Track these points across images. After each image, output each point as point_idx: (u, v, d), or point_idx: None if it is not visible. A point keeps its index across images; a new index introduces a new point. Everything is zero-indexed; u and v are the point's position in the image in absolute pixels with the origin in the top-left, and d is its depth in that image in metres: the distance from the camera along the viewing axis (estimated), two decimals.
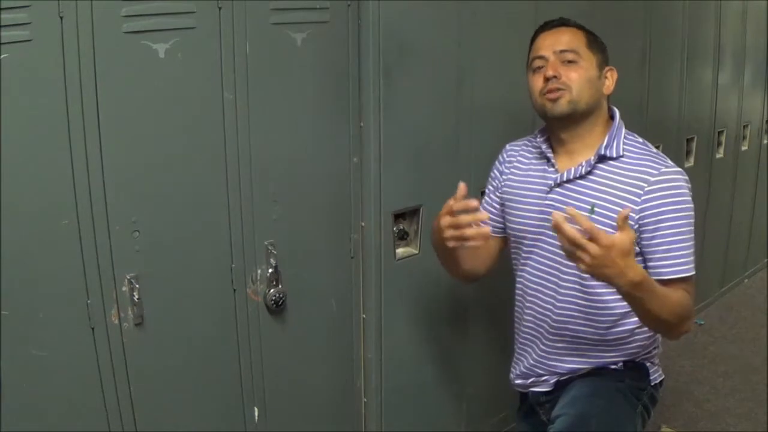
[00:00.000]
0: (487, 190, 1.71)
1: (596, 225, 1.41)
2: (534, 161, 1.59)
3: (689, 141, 3.09)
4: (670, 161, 1.47)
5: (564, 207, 1.48)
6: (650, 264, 1.43)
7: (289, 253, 1.73)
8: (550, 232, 1.50)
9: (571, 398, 1.51)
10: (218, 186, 1.59)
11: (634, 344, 1.53)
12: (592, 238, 1.20)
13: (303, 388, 1.86)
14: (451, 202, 1.39)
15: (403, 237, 1.96)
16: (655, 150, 1.49)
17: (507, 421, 2.27)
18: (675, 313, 1.36)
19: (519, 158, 1.63)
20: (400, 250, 1.95)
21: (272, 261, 1.69)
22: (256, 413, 1.76)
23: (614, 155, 1.46)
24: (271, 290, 1.70)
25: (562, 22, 1.51)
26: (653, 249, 1.41)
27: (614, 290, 1.45)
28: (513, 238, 1.63)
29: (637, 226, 1.41)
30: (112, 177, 1.41)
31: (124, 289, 1.47)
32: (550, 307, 1.55)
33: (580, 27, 1.51)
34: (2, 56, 1.24)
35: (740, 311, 3.49)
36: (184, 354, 1.59)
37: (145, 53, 1.41)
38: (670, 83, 2.89)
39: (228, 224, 1.62)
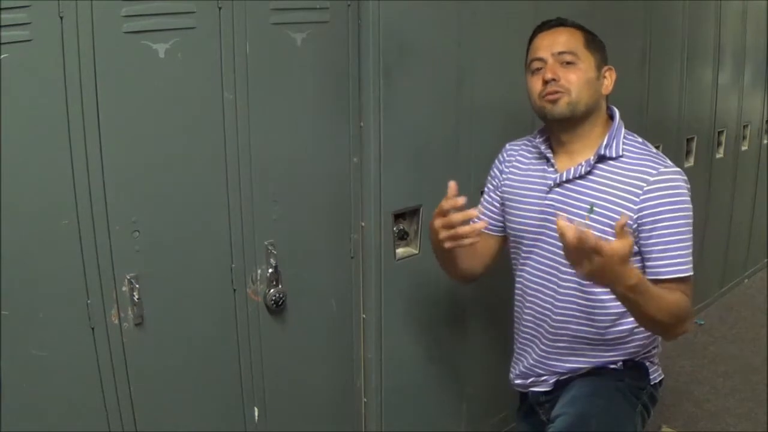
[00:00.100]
0: (486, 189, 1.71)
1: (595, 225, 1.42)
2: (533, 161, 1.59)
3: (689, 141, 3.09)
4: (669, 161, 1.47)
5: (563, 207, 1.49)
6: (648, 264, 1.43)
7: (289, 253, 1.73)
8: (550, 232, 1.51)
9: (571, 398, 1.51)
10: (218, 186, 1.59)
11: (634, 344, 1.53)
12: (594, 248, 1.19)
13: (303, 388, 1.86)
14: (442, 203, 1.39)
15: (403, 237, 1.96)
16: (654, 150, 1.50)
17: (507, 421, 2.27)
18: (671, 314, 1.36)
19: (519, 158, 1.63)
20: (400, 250, 1.95)
21: (272, 261, 1.69)
22: (256, 413, 1.76)
23: (614, 155, 1.46)
24: (271, 290, 1.70)
25: (559, 22, 1.51)
26: (651, 249, 1.42)
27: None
28: (512, 238, 1.63)
29: (635, 225, 1.42)
30: (112, 177, 1.41)
31: (124, 289, 1.47)
32: (550, 306, 1.55)
33: (578, 27, 1.51)
34: (2, 56, 1.24)
35: (740, 311, 3.49)
36: (184, 354, 1.59)
37: (145, 53, 1.41)
38: (670, 83, 2.89)
39: (228, 224, 1.62)
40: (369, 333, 1.94)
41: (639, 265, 1.44)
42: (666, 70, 2.81)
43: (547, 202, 1.52)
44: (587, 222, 1.45)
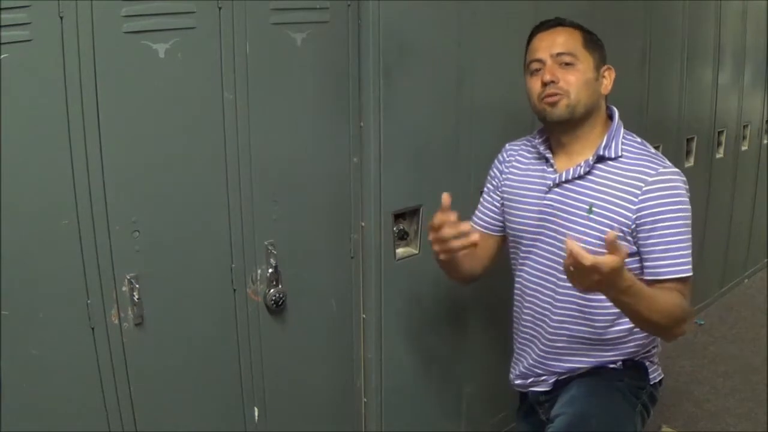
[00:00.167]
0: (485, 189, 1.71)
1: (594, 225, 1.43)
2: (533, 161, 1.59)
3: (689, 141, 3.09)
4: (667, 161, 1.46)
5: (562, 207, 1.49)
6: (647, 264, 1.43)
7: (289, 253, 1.73)
8: (549, 232, 1.51)
9: (570, 397, 1.51)
10: (218, 186, 1.59)
11: (633, 343, 1.53)
12: (594, 268, 1.18)
13: (303, 388, 1.86)
14: (437, 216, 1.40)
15: (403, 237, 1.96)
16: (653, 150, 1.49)
17: (507, 421, 2.27)
18: (667, 316, 1.36)
19: (518, 158, 1.63)
20: (400, 250, 1.95)
21: (272, 261, 1.69)
22: (256, 413, 1.76)
23: (613, 156, 1.46)
24: (271, 290, 1.70)
25: (558, 22, 1.50)
26: (650, 249, 1.41)
27: None
28: (512, 238, 1.63)
29: (634, 226, 1.42)
30: (112, 177, 1.41)
31: (124, 289, 1.47)
32: (549, 306, 1.55)
33: (576, 26, 1.50)
34: (2, 56, 1.24)
35: (740, 311, 3.49)
36: (184, 354, 1.59)
37: (145, 53, 1.41)
38: (670, 83, 2.89)
39: (228, 224, 1.62)
40: (369, 333, 1.94)
41: (637, 265, 1.44)
42: (666, 70, 2.81)
43: (546, 202, 1.52)
44: (586, 222, 1.45)
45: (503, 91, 2.02)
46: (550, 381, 1.60)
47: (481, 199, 1.71)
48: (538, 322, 1.58)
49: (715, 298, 3.56)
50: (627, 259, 1.42)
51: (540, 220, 1.53)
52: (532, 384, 1.63)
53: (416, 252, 1.97)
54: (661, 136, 2.83)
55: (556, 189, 1.51)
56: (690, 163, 3.11)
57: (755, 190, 3.71)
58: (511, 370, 1.70)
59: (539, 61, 1.47)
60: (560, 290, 1.52)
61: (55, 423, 1.42)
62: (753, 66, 3.45)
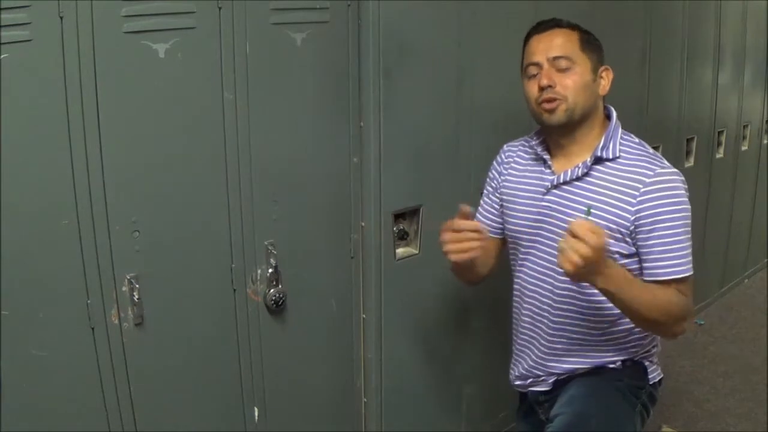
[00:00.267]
0: (485, 192, 1.71)
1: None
2: (531, 162, 1.59)
3: (689, 141, 3.09)
4: (666, 162, 1.46)
5: (560, 208, 1.49)
6: (645, 265, 1.43)
7: (289, 253, 1.73)
8: (548, 234, 1.51)
9: (570, 397, 1.51)
10: (218, 186, 1.59)
11: (633, 343, 1.53)
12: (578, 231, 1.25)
13: (303, 388, 1.86)
14: (456, 220, 1.43)
15: (403, 237, 1.96)
16: (651, 150, 1.49)
17: (507, 421, 2.27)
18: (666, 313, 1.37)
19: (516, 159, 1.63)
20: (400, 250, 1.95)
21: (272, 261, 1.69)
22: (256, 413, 1.76)
23: (610, 157, 1.46)
24: (271, 290, 1.70)
25: (554, 24, 1.49)
26: (649, 250, 1.41)
27: None
28: (510, 239, 1.63)
29: (632, 227, 1.41)
30: (112, 177, 1.41)
31: (124, 289, 1.47)
32: (548, 308, 1.55)
33: (573, 27, 1.49)
34: (2, 56, 1.24)
35: (740, 311, 3.49)
36: (184, 354, 1.59)
37: (145, 53, 1.41)
38: (670, 83, 2.89)
39: (228, 224, 1.62)
40: (369, 333, 1.94)
41: (636, 266, 1.44)
42: (666, 70, 2.81)
43: (544, 203, 1.52)
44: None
45: (503, 91, 2.02)
46: (550, 381, 1.60)
47: (482, 202, 1.71)
48: (538, 324, 1.58)
49: (715, 298, 3.56)
50: (626, 260, 1.43)
51: (538, 221, 1.53)
52: (532, 384, 1.63)
53: (416, 252, 1.97)
54: (661, 136, 2.83)
55: (554, 190, 1.51)
56: (690, 163, 3.11)
57: (755, 190, 3.71)
58: (511, 370, 1.70)
59: (536, 64, 1.46)
60: (559, 291, 1.52)
61: (55, 423, 1.42)
62: (753, 66, 3.45)
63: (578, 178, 1.48)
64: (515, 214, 1.59)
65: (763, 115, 3.67)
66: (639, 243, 1.42)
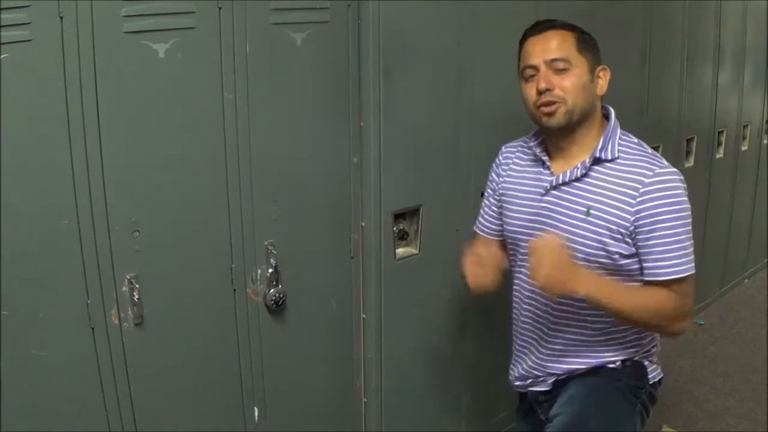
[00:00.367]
0: (486, 194, 1.71)
1: (592, 228, 1.43)
2: (529, 163, 1.59)
3: (689, 141, 3.09)
4: (665, 162, 1.45)
5: (559, 209, 1.49)
6: (645, 265, 1.43)
7: (289, 253, 1.73)
8: (547, 235, 1.51)
9: (569, 397, 1.51)
10: (218, 186, 1.59)
11: (632, 343, 1.53)
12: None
13: (303, 388, 1.86)
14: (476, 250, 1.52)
15: (403, 237, 1.96)
16: (650, 150, 1.49)
17: (507, 420, 2.27)
18: (657, 314, 1.41)
19: (515, 160, 1.63)
20: (400, 250, 1.95)
21: (272, 261, 1.69)
22: (256, 413, 1.76)
23: (609, 157, 1.45)
24: (271, 290, 1.70)
25: (550, 25, 1.48)
26: (649, 251, 1.41)
27: None
28: (509, 241, 1.63)
29: (632, 228, 1.41)
30: (112, 177, 1.41)
31: (124, 289, 1.47)
32: (547, 309, 1.55)
33: (569, 28, 1.48)
34: (2, 56, 1.24)
35: (740, 311, 3.49)
36: (184, 354, 1.59)
37: (145, 53, 1.41)
38: (670, 83, 2.89)
39: (228, 224, 1.62)
40: (369, 333, 1.94)
41: (636, 266, 1.44)
42: (666, 70, 2.81)
43: (543, 205, 1.52)
44: (584, 225, 1.45)
45: (503, 91, 2.02)
46: (549, 381, 1.60)
47: (483, 204, 1.71)
48: (537, 325, 1.58)
49: (715, 298, 3.56)
50: (626, 261, 1.43)
51: (537, 222, 1.53)
52: (532, 384, 1.63)
53: (416, 252, 1.98)
54: (661, 136, 2.83)
55: (553, 192, 1.51)
56: (690, 163, 3.11)
57: (755, 190, 3.71)
58: (511, 371, 1.70)
59: (533, 67, 1.46)
60: None
61: (55, 423, 1.42)
62: (753, 66, 3.45)
63: (577, 179, 1.48)
64: (514, 215, 1.59)
65: (763, 115, 3.67)
66: (639, 243, 1.42)
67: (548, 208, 1.51)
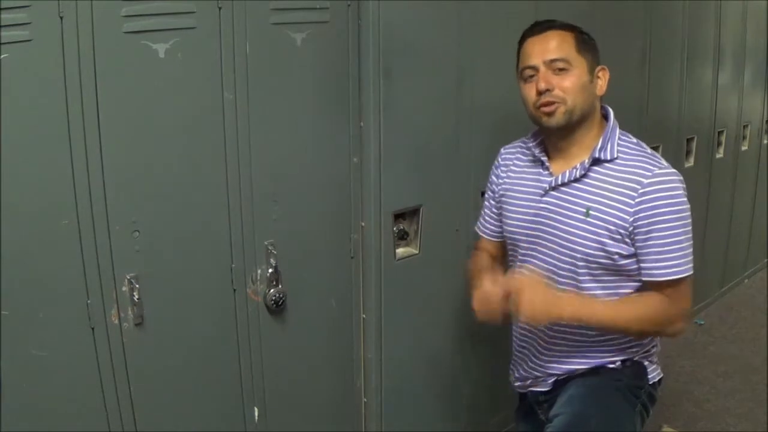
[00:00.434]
0: (487, 195, 1.71)
1: (591, 228, 1.43)
2: (528, 164, 1.59)
3: (689, 141, 3.09)
4: (664, 162, 1.45)
5: (558, 210, 1.49)
6: (643, 266, 1.43)
7: (289, 253, 1.73)
8: (546, 236, 1.51)
9: (569, 397, 1.51)
10: (218, 186, 1.59)
11: (632, 343, 1.53)
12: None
13: (303, 388, 1.86)
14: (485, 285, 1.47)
15: (403, 237, 1.96)
16: (649, 150, 1.48)
17: (507, 421, 2.27)
18: (650, 322, 1.43)
19: (515, 161, 1.63)
20: (400, 250, 1.95)
21: (272, 261, 1.69)
22: (256, 413, 1.76)
23: (608, 158, 1.45)
24: (271, 290, 1.70)
25: (549, 25, 1.48)
26: (647, 251, 1.41)
27: (611, 291, 1.47)
28: (509, 241, 1.63)
29: (631, 228, 1.41)
30: (112, 177, 1.41)
31: (124, 289, 1.47)
32: None
33: (568, 28, 1.48)
34: (2, 56, 1.24)
35: (740, 311, 3.49)
36: (184, 354, 1.59)
37: (145, 53, 1.41)
38: (670, 83, 2.89)
39: (228, 224, 1.62)
40: (369, 333, 1.94)
41: (635, 266, 1.44)
42: (666, 70, 2.81)
43: (542, 205, 1.52)
44: (583, 226, 1.45)
45: (503, 91, 2.02)
46: (549, 381, 1.60)
47: (484, 205, 1.72)
48: (537, 327, 1.58)
49: (715, 298, 3.56)
50: (626, 261, 1.43)
51: (537, 223, 1.53)
52: (532, 385, 1.63)
53: (416, 252, 1.98)
54: (661, 136, 2.83)
55: (553, 192, 1.51)
56: (690, 163, 3.11)
57: (755, 190, 3.71)
58: (511, 372, 1.70)
59: (532, 68, 1.45)
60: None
61: (55, 423, 1.42)
62: (753, 66, 3.45)
63: (576, 180, 1.47)
64: (513, 216, 1.59)
65: (763, 115, 3.67)
66: (637, 244, 1.42)
67: (547, 208, 1.51)
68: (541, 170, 1.54)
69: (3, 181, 1.28)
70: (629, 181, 1.42)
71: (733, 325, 3.35)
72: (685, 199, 1.42)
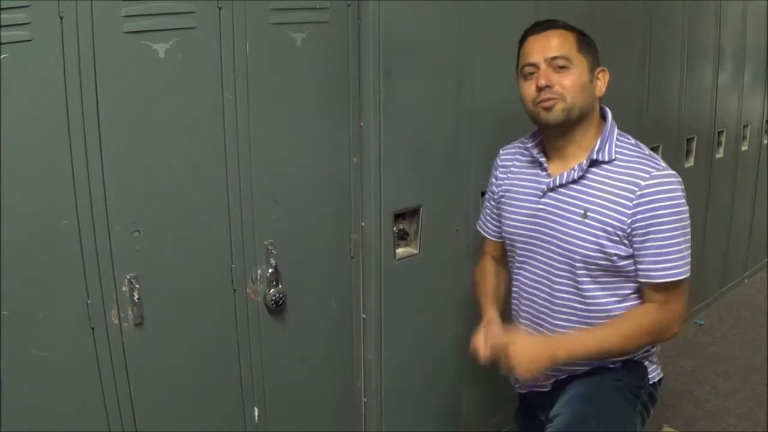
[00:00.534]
0: (487, 196, 1.72)
1: (588, 230, 1.43)
2: (527, 165, 1.59)
3: (689, 141, 3.09)
4: (662, 163, 1.45)
5: (556, 211, 1.49)
6: (640, 267, 1.43)
7: (289, 253, 1.73)
8: (544, 237, 1.51)
9: (569, 398, 1.51)
10: (218, 186, 1.59)
11: None
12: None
13: (303, 388, 1.86)
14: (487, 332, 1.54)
15: (403, 237, 1.96)
16: (648, 151, 1.48)
17: (507, 421, 2.27)
18: (646, 335, 1.45)
19: (515, 162, 1.63)
20: (400, 250, 1.95)
21: (272, 261, 1.69)
22: (256, 413, 1.76)
23: (606, 159, 1.45)
24: (271, 290, 1.70)
25: (550, 25, 1.48)
26: (644, 253, 1.41)
27: (611, 292, 1.47)
28: (508, 242, 1.63)
29: (629, 230, 1.41)
30: (112, 177, 1.41)
31: (124, 289, 1.47)
32: (546, 311, 1.55)
33: (569, 28, 1.48)
34: (2, 56, 1.24)
35: (740, 311, 3.49)
36: (184, 354, 1.59)
37: (145, 53, 1.41)
38: (670, 83, 2.89)
39: (228, 224, 1.62)
40: (369, 333, 1.94)
41: (632, 267, 1.44)
42: (666, 70, 2.81)
43: (540, 206, 1.52)
44: (581, 227, 1.45)
45: (503, 91, 2.02)
46: (549, 382, 1.60)
47: (485, 206, 1.72)
48: (537, 328, 1.58)
49: (715, 298, 3.56)
50: (624, 262, 1.43)
51: (534, 225, 1.53)
52: (532, 385, 1.63)
53: (416, 252, 1.98)
54: (661, 136, 2.83)
55: (551, 193, 1.51)
56: (690, 163, 3.11)
57: (755, 190, 3.71)
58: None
59: (533, 65, 1.46)
60: (557, 294, 1.52)
61: (55, 423, 1.42)
62: (753, 66, 3.45)
63: (574, 181, 1.48)
64: (512, 216, 1.59)
65: (763, 115, 3.67)
66: (635, 245, 1.42)
67: (545, 210, 1.51)
68: (539, 171, 1.54)
69: (3, 181, 1.28)
70: (627, 183, 1.42)
71: (733, 325, 3.35)
72: (684, 201, 1.42)
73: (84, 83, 1.34)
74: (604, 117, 1.52)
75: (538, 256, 1.54)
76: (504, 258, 1.70)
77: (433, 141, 1.94)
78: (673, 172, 1.44)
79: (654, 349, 1.59)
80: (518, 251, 1.59)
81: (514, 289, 1.64)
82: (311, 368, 1.87)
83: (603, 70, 1.50)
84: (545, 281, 1.54)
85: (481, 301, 1.66)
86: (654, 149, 2.75)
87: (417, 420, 2.10)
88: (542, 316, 1.56)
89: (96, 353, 1.45)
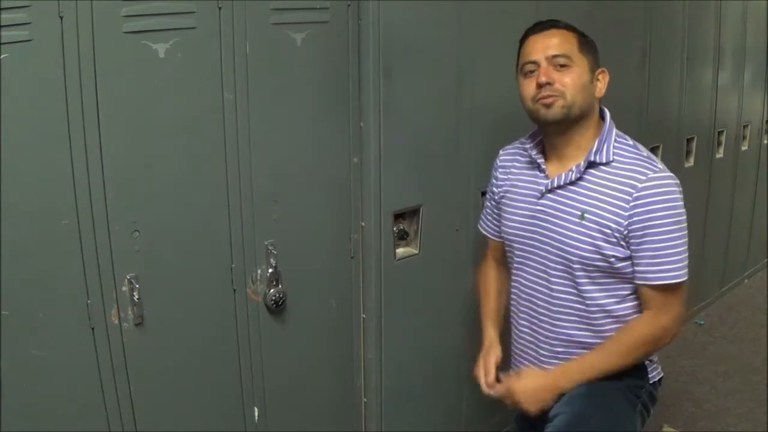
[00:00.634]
0: (488, 196, 1.72)
1: (586, 231, 1.43)
2: (526, 166, 1.59)
3: (689, 141, 3.09)
4: (660, 165, 1.45)
5: (554, 213, 1.49)
6: (637, 269, 1.43)
7: (289, 253, 1.73)
8: (542, 238, 1.51)
9: (569, 397, 1.50)
10: (218, 186, 1.59)
11: None
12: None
13: (303, 388, 1.86)
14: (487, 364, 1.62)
15: (403, 237, 1.96)
16: (645, 153, 1.48)
17: (507, 421, 2.27)
18: (646, 344, 1.47)
19: (514, 163, 1.63)
20: (400, 250, 1.95)
21: (272, 261, 1.69)
22: (256, 413, 1.76)
23: (604, 161, 1.45)
24: (271, 290, 1.70)
25: (552, 24, 1.49)
26: (641, 255, 1.41)
27: (610, 293, 1.47)
28: (507, 243, 1.63)
29: (626, 231, 1.41)
30: (112, 177, 1.41)
31: (124, 289, 1.47)
32: (546, 312, 1.55)
33: (571, 29, 1.49)
34: (2, 56, 1.24)
35: (740, 311, 3.49)
36: (184, 354, 1.59)
37: (145, 53, 1.41)
38: (670, 83, 2.89)
39: (228, 224, 1.62)
40: (369, 333, 1.94)
41: (630, 269, 1.44)
42: (666, 70, 2.81)
43: (538, 208, 1.52)
44: (578, 228, 1.45)
45: (503, 91, 2.01)
46: None
47: (486, 206, 1.73)
48: (536, 328, 1.58)
49: (715, 298, 3.56)
50: (622, 264, 1.43)
51: (533, 226, 1.53)
52: None
53: (416, 252, 1.97)
54: (661, 136, 2.83)
55: (549, 195, 1.51)
56: (690, 163, 3.11)
57: (755, 190, 3.71)
58: (511, 372, 1.70)
59: (534, 63, 1.46)
60: (556, 294, 1.52)
61: (55, 423, 1.42)
62: (753, 66, 3.45)
63: (572, 183, 1.48)
64: (511, 217, 1.59)
65: (763, 115, 3.67)
66: (632, 247, 1.42)
67: (543, 211, 1.51)
68: (537, 172, 1.55)
69: (3, 181, 1.28)
70: (624, 185, 1.42)
71: (733, 325, 3.35)
72: (681, 203, 1.42)
73: (84, 83, 1.34)
74: (603, 118, 1.52)
75: (536, 257, 1.54)
76: (506, 258, 1.70)
77: (433, 141, 1.94)
78: (671, 174, 1.44)
79: None
80: (517, 252, 1.60)
81: (513, 289, 1.64)
82: (311, 368, 1.87)
83: (603, 71, 1.50)
84: (544, 282, 1.54)
85: (483, 319, 1.71)
86: (654, 149, 2.75)
87: (417, 420, 2.10)
88: (542, 317, 1.56)
89: (96, 353, 1.45)
